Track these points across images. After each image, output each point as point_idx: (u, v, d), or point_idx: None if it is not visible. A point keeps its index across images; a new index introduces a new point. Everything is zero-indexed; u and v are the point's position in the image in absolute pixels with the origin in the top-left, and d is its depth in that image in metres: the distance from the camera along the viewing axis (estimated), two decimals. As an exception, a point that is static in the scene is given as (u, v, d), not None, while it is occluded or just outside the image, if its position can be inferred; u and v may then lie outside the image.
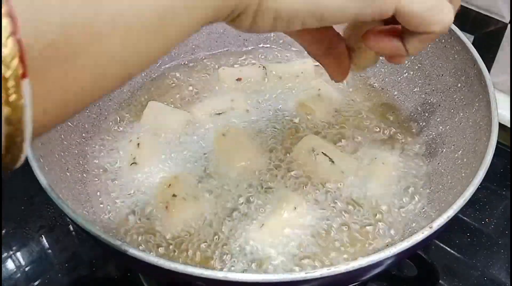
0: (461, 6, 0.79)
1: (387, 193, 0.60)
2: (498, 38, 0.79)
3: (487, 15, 0.78)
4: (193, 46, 0.80)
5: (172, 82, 0.75)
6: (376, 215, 0.58)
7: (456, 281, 0.64)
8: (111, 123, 0.69)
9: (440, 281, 0.64)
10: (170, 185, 0.60)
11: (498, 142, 0.51)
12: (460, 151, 0.59)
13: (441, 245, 0.68)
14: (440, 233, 0.45)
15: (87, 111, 0.68)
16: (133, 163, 0.63)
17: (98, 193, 0.61)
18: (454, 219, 0.45)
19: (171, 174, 0.62)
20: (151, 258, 0.41)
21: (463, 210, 0.46)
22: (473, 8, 0.79)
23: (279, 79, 0.74)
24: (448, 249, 0.67)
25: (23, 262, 0.68)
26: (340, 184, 0.60)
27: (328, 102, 0.70)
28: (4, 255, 0.68)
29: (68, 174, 0.60)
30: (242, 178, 0.61)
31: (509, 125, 0.78)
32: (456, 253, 0.67)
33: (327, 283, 0.41)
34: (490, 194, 0.73)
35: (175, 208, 0.58)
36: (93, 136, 0.67)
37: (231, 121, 0.68)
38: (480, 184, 0.47)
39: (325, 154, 0.61)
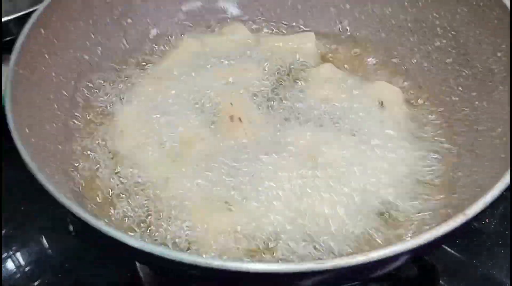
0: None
1: (396, 192, 0.59)
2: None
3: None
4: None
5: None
6: (385, 215, 0.58)
7: (456, 281, 0.64)
8: (101, 116, 0.69)
9: (440, 281, 0.64)
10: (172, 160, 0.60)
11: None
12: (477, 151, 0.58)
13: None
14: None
15: (87, 111, 0.68)
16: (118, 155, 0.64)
17: (97, 191, 0.61)
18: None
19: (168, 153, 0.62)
20: (158, 248, 0.41)
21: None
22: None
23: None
24: (448, 249, 0.67)
25: (23, 262, 0.68)
26: (346, 183, 0.59)
27: (338, 94, 0.69)
28: (4, 255, 0.68)
29: (66, 171, 0.60)
30: (246, 155, 0.61)
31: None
32: (456, 253, 0.67)
33: (335, 275, 0.41)
34: (490, 194, 0.72)
35: (173, 184, 0.58)
36: (90, 133, 0.67)
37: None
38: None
39: (327, 153, 0.61)
